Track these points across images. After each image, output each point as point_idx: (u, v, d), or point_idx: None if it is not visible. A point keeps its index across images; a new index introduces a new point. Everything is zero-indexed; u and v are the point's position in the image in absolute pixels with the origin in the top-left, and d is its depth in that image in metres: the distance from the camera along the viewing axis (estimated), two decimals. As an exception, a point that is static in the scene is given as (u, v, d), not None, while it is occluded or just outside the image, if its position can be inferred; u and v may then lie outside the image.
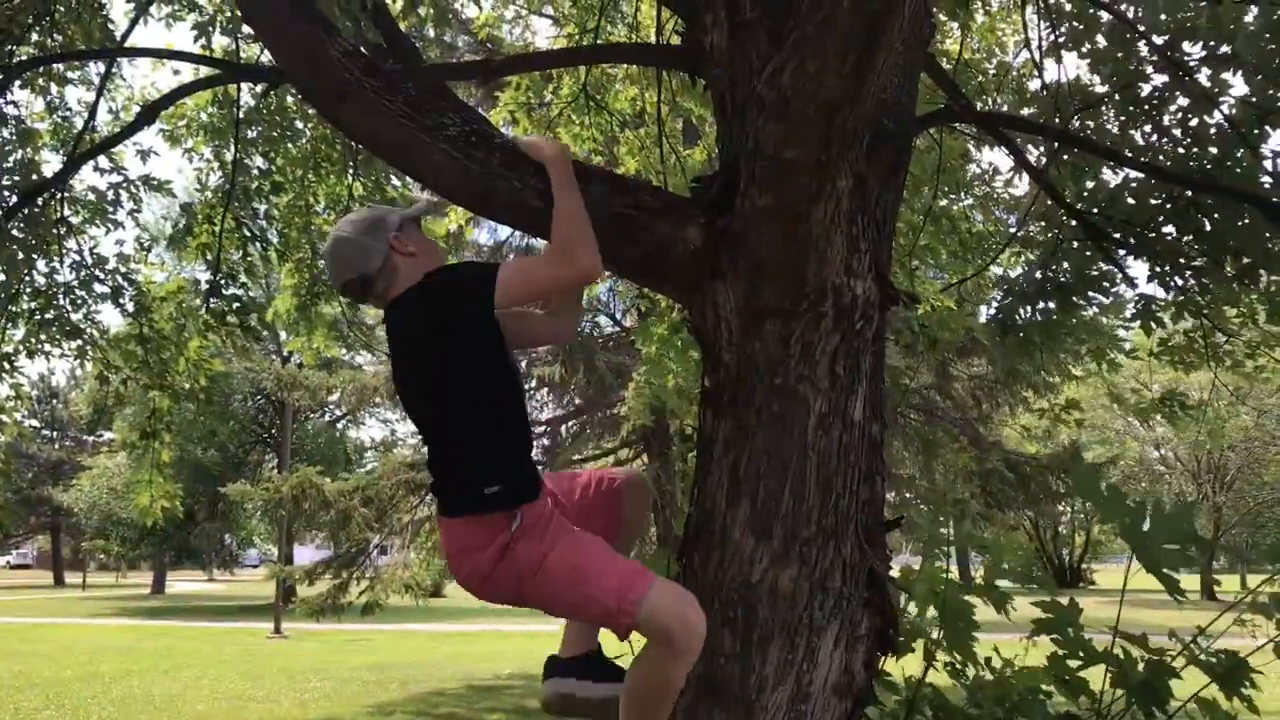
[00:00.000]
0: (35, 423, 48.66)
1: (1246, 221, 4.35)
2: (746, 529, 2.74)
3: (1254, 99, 3.97)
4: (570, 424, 17.83)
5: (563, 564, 2.53)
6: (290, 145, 6.96)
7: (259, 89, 6.45)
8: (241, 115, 6.71)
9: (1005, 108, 6.55)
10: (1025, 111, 5.19)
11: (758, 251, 2.71)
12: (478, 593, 2.67)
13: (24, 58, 6.06)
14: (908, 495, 13.71)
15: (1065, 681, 2.94)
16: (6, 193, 5.84)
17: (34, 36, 5.98)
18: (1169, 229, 4.53)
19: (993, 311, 5.26)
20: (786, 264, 2.70)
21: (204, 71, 6.41)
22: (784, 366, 2.76)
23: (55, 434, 51.03)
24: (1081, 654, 2.94)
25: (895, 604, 2.96)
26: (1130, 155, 4.41)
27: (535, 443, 18.14)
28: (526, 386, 18.03)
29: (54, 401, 50.60)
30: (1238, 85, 4.10)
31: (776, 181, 2.53)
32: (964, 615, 3.22)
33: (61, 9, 6.00)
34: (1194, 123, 4.31)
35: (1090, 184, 4.95)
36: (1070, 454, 13.26)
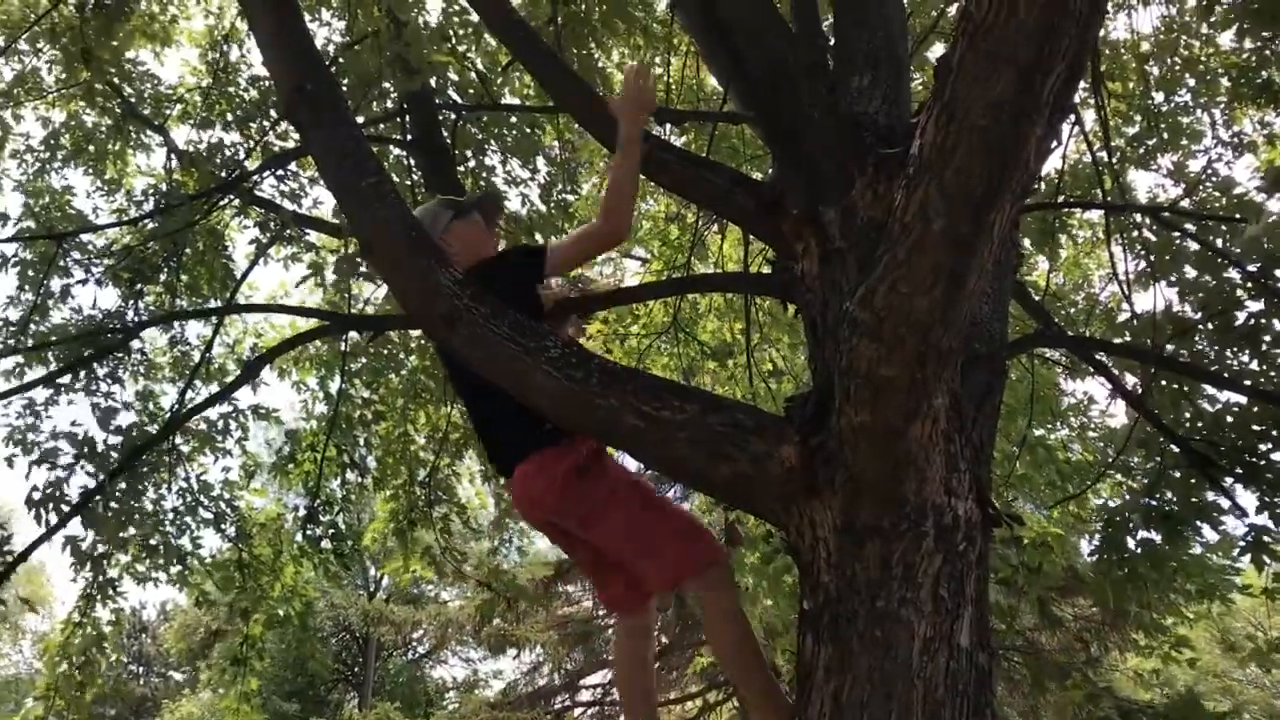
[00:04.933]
0: (123, 658, 48.62)
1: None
2: (855, 763, 2.60)
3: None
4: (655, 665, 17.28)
5: (633, 506, 3.09)
6: (393, 376, 7.24)
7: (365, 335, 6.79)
8: (348, 349, 7.03)
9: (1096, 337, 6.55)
10: (1116, 340, 5.18)
11: (855, 469, 2.69)
12: (549, 510, 3.10)
13: (147, 309, 6.48)
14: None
15: None
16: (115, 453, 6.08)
17: (162, 275, 6.42)
18: (1278, 456, 4.40)
19: (1095, 545, 5.09)
20: (885, 482, 2.68)
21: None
22: (886, 589, 2.68)
23: (141, 670, 50.85)
24: None
25: None
26: (1230, 378, 4.35)
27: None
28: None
29: (143, 636, 50.74)
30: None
31: (872, 399, 2.55)
32: None
33: (189, 252, 6.46)
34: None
35: (1189, 412, 4.87)
36: (1187, 702, 12.38)
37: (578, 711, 17.02)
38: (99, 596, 6.62)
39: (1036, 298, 6.17)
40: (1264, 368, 4.36)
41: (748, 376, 7.12)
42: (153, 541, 6.80)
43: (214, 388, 7.35)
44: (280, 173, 6.45)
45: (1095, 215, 7.05)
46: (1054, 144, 2.64)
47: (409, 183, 6.26)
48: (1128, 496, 5.09)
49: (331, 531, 7.47)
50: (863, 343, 2.50)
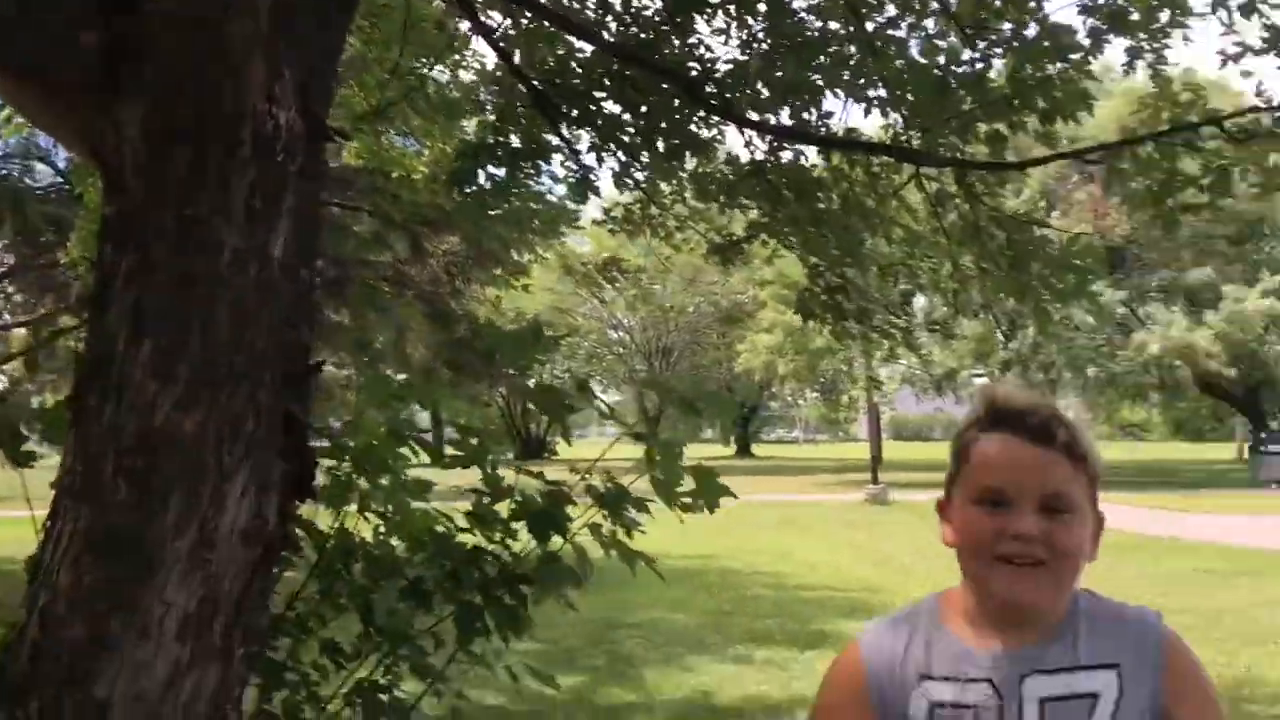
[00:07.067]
0: None
1: (677, 105, 4.74)
2: (149, 371, 2.51)
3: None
4: (3, 284, 15.66)
5: None
6: None
7: None
8: None
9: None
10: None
11: (166, 64, 2.44)
12: None
13: None
14: (380, 367, 13.78)
15: (478, 516, 3.08)
16: None
17: None
18: (610, 105, 4.81)
19: (449, 176, 5.32)
20: (198, 82, 2.46)
21: None
22: (196, 196, 2.53)
23: None
24: (491, 488, 3.10)
25: (313, 451, 2.90)
26: (581, 27, 4.60)
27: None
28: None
29: None
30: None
31: (182, -18, 2.29)
32: (391, 467, 3.24)
33: None
34: (635, 4, 4.59)
35: (551, 59, 5.11)
36: (532, 329, 14.06)
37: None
38: None
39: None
40: (608, 19, 4.66)
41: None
42: None
43: None
44: None
45: None
46: None
47: None
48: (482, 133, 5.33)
49: None
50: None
